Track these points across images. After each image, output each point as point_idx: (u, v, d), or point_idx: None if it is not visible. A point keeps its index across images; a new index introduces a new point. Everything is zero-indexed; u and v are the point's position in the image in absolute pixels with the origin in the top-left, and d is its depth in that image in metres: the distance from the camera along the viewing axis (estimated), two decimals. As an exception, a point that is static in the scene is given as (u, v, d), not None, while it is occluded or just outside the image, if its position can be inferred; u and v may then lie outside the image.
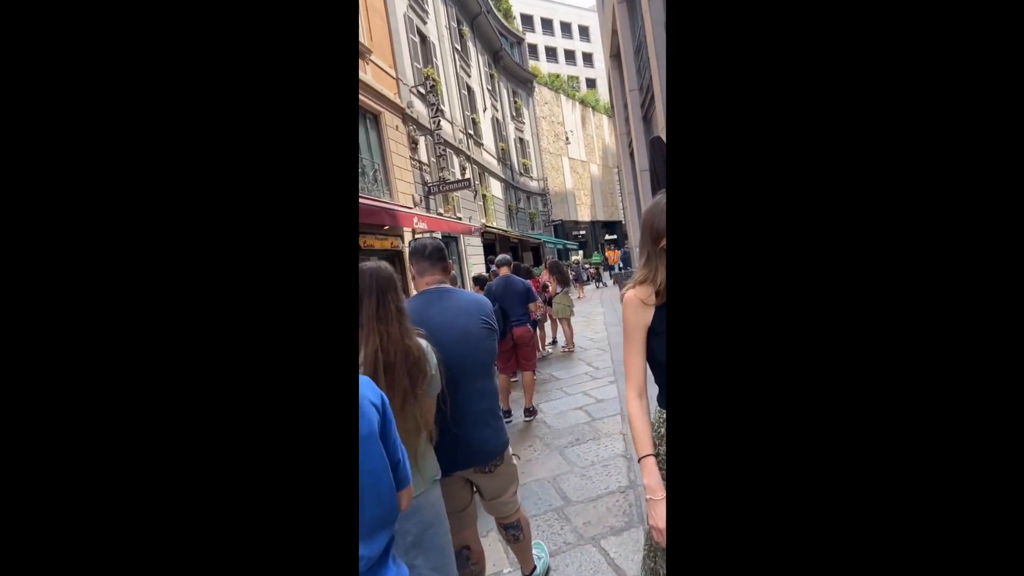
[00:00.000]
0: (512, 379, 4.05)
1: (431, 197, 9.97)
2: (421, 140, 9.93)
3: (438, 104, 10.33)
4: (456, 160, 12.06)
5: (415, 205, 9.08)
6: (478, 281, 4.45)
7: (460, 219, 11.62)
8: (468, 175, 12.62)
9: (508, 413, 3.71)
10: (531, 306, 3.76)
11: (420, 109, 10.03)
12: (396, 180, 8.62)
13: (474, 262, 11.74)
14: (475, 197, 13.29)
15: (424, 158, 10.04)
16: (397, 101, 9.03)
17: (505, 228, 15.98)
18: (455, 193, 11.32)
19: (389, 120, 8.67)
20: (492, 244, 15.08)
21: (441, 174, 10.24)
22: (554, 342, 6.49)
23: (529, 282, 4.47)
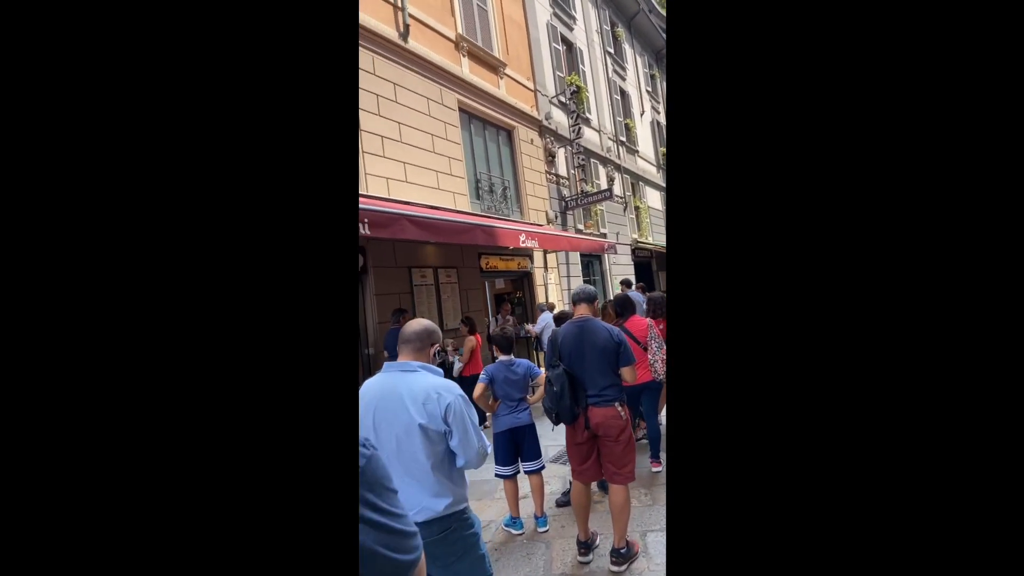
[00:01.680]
0: (595, 498, 2.63)
1: (569, 212, 9.15)
2: (560, 152, 9.24)
3: (579, 112, 9.52)
4: (603, 171, 11.02)
5: (548, 223, 8.39)
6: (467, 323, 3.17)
7: (604, 235, 10.51)
8: (616, 186, 11.44)
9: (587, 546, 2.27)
10: (623, 371, 2.20)
11: (560, 119, 9.37)
12: (528, 196, 8.07)
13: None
14: (625, 210, 11.99)
15: (564, 171, 9.31)
16: (533, 114, 8.53)
17: (665, 244, 14.13)
18: (598, 207, 10.28)
19: (523, 134, 8.21)
20: (647, 262, 13.44)
21: (581, 186, 9.34)
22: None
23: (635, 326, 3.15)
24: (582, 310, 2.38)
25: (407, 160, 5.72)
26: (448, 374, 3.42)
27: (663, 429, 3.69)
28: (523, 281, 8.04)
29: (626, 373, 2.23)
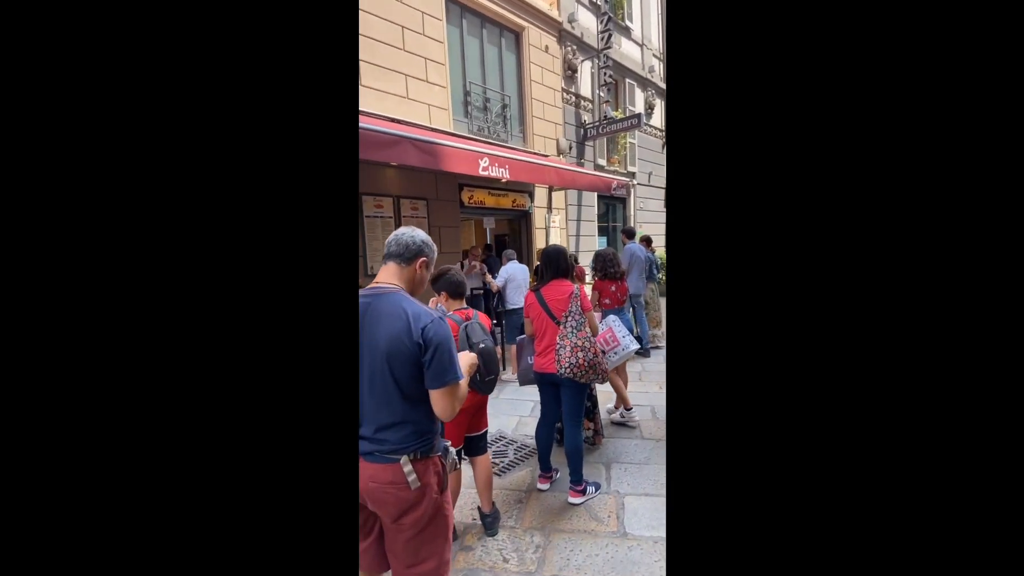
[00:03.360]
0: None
1: (588, 143, 7.66)
2: (584, 66, 7.58)
3: (614, 17, 7.69)
4: (640, 96, 9.21)
5: (560, 154, 7.00)
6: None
7: (633, 175, 8.94)
8: (655, 115, 9.62)
9: None
10: None
11: (588, 24, 7.61)
12: (535, 119, 6.66)
13: (654, 231, 8.92)
14: (663, 148, 10.20)
15: (587, 91, 7.70)
16: (552, 13, 6.87)
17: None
18: (626, 138, 8.63)
19: (535, 38, 6.63)
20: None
21: (605, 111, 7.74)
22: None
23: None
24: (387, 272, 1.24)
25: (364, 58, 4.50)
26: None
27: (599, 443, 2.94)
28: (520, 222, 6.86)
29: (436, 401, 1.16)
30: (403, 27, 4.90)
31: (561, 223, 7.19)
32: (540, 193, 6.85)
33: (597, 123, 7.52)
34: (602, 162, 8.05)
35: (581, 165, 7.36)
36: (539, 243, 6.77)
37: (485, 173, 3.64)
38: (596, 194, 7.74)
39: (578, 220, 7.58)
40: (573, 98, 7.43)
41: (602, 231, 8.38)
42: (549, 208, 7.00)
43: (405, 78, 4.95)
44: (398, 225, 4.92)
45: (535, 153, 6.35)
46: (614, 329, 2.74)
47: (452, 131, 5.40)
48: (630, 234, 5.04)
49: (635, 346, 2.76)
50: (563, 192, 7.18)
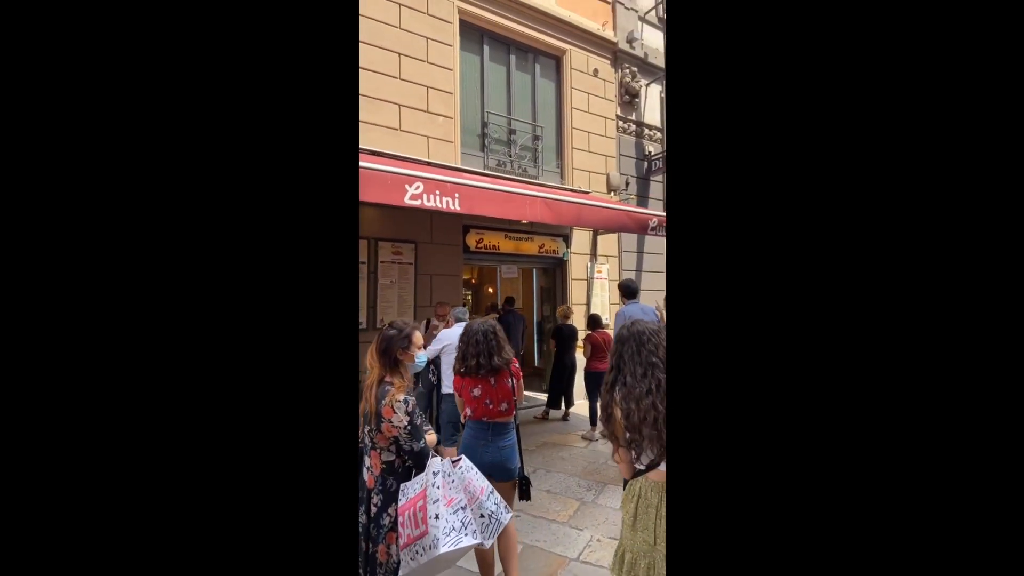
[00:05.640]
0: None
1: (652, 178, 6.29)
2: (651, 90, 6.38)
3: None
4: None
5: (610, 192, 5.78)
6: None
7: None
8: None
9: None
10: None
11: (653, 43, 6.46)
12: (575, 151, 5.62)
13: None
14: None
15: (653, 118, 6.43)
16: (604, 33, 5.93)
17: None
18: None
19: (579, 62, 5.73)
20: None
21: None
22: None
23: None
24: None
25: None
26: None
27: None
28: (555, 272, 5.69)
29: None
30: (399, 54, 4.42)
31: (611, 274, 5.83)
32: (581, 238, 5.65)
33: (661, 155, 6.16)
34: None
35: (640, 204, 6.00)
36: (575, 297, 5.50)
37: (414, 203, 2.73)
38: (664, 240, 6.23)
39: (638, 270, 6.12)
40: (632, 126, 6.23)
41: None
42: (593, 256, 5.73)
43: (398, 108, 4.40)
44: (372, 273, 4.21)
45: (571, 190, 5.26)
46: (428, 499, 1.37)
47: (458, 166, 4.65)
48: (628, 292, 3.56)
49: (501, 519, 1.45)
50: (616, 236, 5.87)
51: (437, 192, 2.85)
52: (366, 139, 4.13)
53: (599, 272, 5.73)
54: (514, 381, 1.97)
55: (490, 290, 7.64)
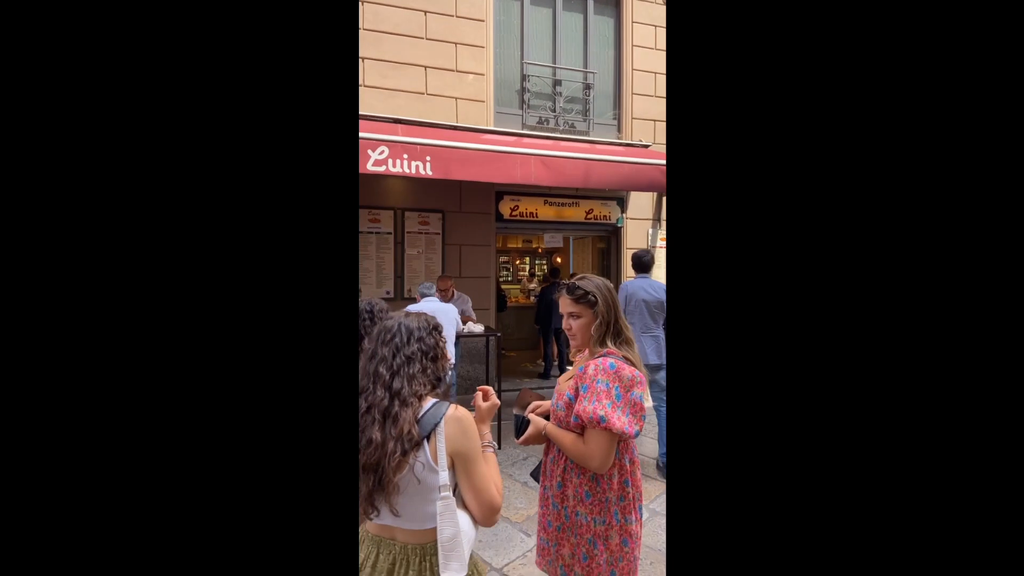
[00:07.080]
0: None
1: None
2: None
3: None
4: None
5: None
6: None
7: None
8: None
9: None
10: None
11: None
12: (635, 98, 4.84)
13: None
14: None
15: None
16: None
17: None
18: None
19: (641, 8, 4.84)
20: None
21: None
22: None
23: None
24: None
25: (366, 54, 4.01)
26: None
27: None
28: (610, 240, 5.07)
29: None
30: (425, 12, 4.20)
31: (679, 241, 5.01)
32: (640, 201, 4.93)
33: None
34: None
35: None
36: (627, 271, 4.86)
37: (378, 169, 2.53)
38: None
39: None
40: (716, 61, 5.12)
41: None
42: (657, 221, 4.97)
43: (424, 71, 4.22)
44: (399, 243, 4.22)
45: (626, 146, 4.57)
46: None
47: (491, 128, 4.34)
48: (639, 264, 2.87)
49: None
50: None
51: (405, 156, 2.65)
52: (389, 106, 4.07)
53: (663, 240, 4.96)
54: None
55: (558, 260, 7.24)
